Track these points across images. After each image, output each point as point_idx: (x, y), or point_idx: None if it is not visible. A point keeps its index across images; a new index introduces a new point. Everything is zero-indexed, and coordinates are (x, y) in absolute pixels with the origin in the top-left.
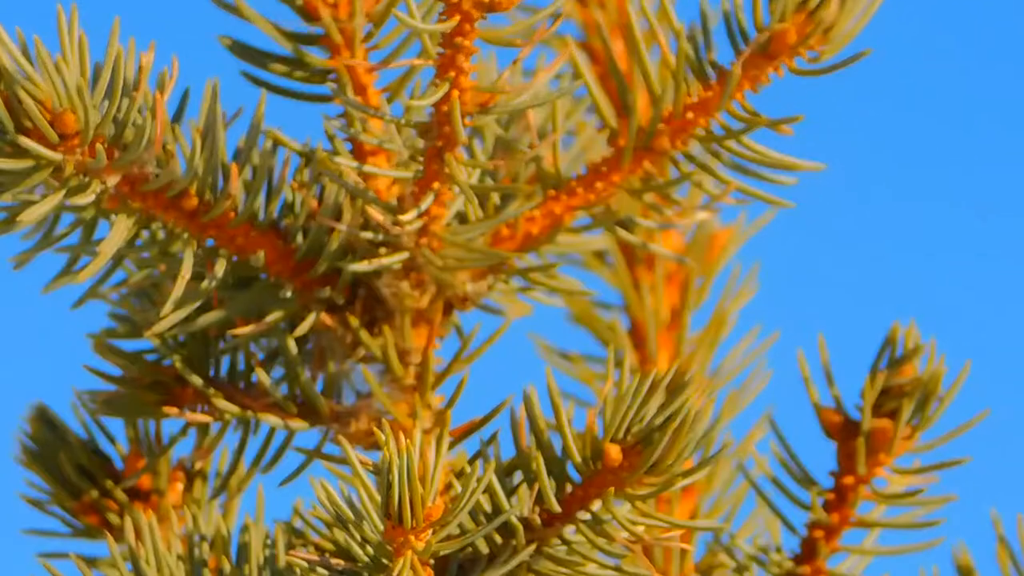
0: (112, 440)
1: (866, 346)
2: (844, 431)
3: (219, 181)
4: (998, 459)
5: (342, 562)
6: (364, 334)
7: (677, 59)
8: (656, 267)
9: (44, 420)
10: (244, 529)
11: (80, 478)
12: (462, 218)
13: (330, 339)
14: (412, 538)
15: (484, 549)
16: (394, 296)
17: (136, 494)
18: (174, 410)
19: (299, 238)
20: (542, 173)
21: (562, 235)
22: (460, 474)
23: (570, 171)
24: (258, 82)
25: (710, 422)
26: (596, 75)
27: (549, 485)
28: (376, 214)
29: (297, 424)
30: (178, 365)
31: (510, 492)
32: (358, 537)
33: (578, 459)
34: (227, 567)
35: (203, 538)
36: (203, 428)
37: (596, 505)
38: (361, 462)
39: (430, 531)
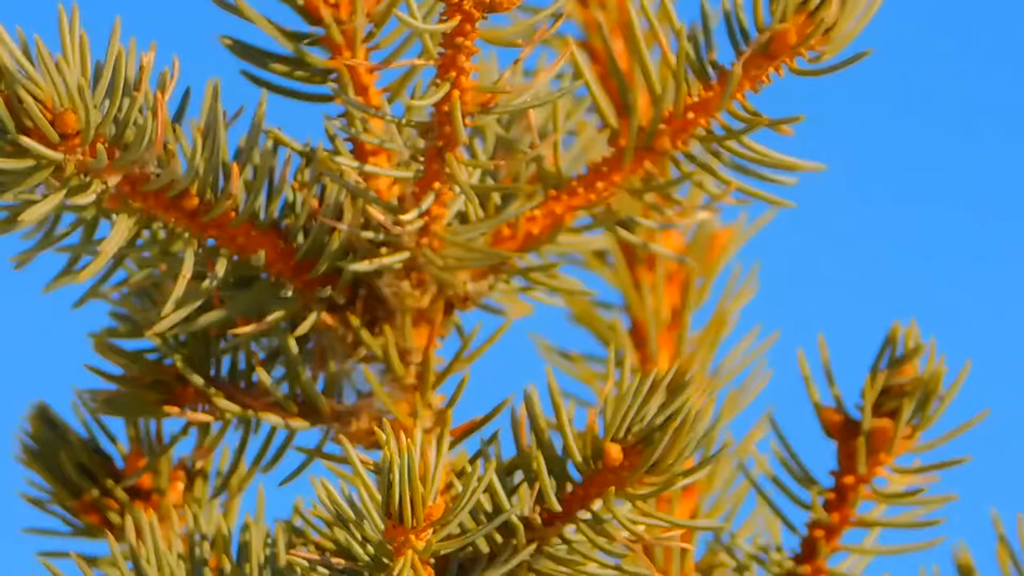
0: (113, 439)
1: (866, 346)
2: (844, 430)
3: (220, 181)
4: (998, 459)
5: (343, 561)
6: (365, 333)
7: (678, 59)
8: (657, 267)
9: (45, 419)
10: (245, 528)
11: (81, 477)
12: (463, 218)
13: (331, 338)
14: (412, 537)
15: (485, 548)
16: (395, 296)
17: (137, 493)
18: (175, 409)
19: (300, 238)
20: (543, 173)
21: (563, 235)
22: (461, 473)
23: (571, 171)
24: (259, 82)
25: (710, 422)
26: (597, 75)
27: (550, 484)
28: (377, 214)
29: (298, 423)
30: (179, 364)
31: (511, 491)
32: (359, 536)
33: (579, 458)
34: (228, 566)
35: (204, 537)
36: (204, 427)
37: (597, 504)
38: (362, 461)
39: (430, 530)
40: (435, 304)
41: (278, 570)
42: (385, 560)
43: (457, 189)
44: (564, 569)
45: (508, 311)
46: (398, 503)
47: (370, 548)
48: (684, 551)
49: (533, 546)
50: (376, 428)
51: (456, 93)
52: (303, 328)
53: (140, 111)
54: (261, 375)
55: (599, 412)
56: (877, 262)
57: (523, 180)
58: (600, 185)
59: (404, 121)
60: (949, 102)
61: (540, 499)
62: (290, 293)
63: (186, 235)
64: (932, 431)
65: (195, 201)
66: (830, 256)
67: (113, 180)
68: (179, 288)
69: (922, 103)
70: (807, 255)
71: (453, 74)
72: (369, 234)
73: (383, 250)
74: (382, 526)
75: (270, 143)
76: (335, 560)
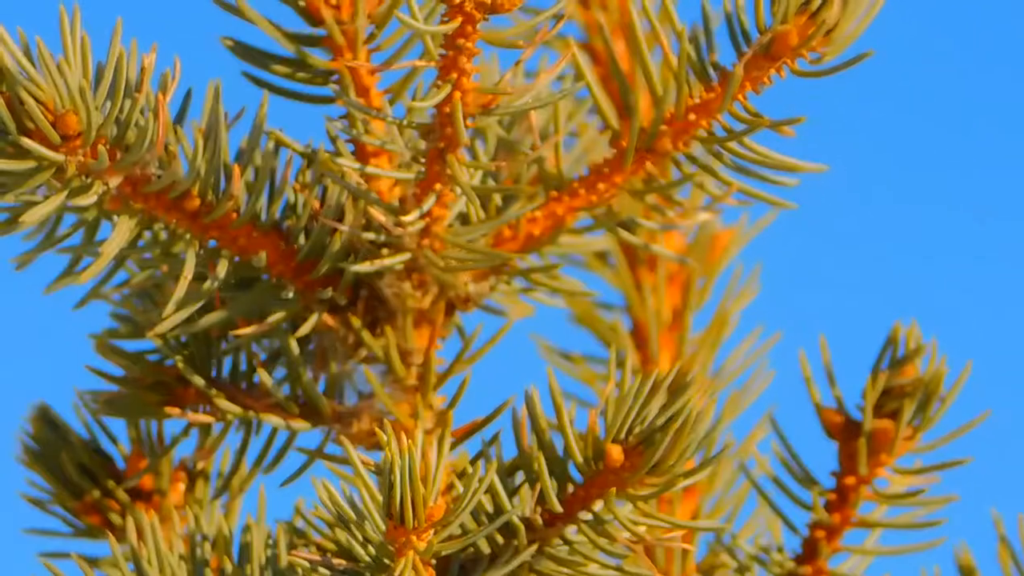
0: (114, 440)
1: (867, 347)
2: (845, 431)
3: (221, 182)
4: (999, 459)
5: (344, 562)
6: (366, 335)
7: (679, 60)
8: (658, 268)
9: (46, 420)
10: (246, 529)
11: (82, 478)
12: (464, 219)
13: (332, 340)
14: (414, 538)
15: (486, 549)
16: (396, 297)
17: (138, 494)
18: (176, 410)
19: (301, 239)
20: (544, 174)
21: (564, 236)
22: (462, 474)
23: (572, 172)
24: (260, 83)
25: (712, 423)
26: (598, 76)
27: (551, 485)
28: (378, 215)
29: (299, 424)
30: (180, 365)
31: (512, 492)
32: (360, 537)
33: (580, 459)
34: (229, 567)
35: (205, 538)
36: (205, 428)
37: (598, 505)
38: (363, 462)
39: (432, 531)
40: (436, 305)
41: (279, 571)
42: (386, 561)
43: (458, 190)
44: (565, 570)
45: (509, 312)
46: (399, 504)
47: (371, 549)
48: (685, 552)
49: (534, 547)
50: (377, 429)
51: (457, 94)
52: (304, 329)
53: (141, 112)
54: (262, 376)
55: (600, 413)
56: (878, 263)
57: (524, 181)
58: (601, 186)
59: (405, 122)
60: (949, 102)
61: (541, 500)
62: (291, 294)
63: (187, 236)
64: (933, 432)
65: (196, 202)
66: (831, 257)
67: (114, 181)
68: (180, 289)
69: (922, 103)
70: (808, 256)
71: (454, 75)
72: (370, 235)
73: (384, 251)
74: (383, 527)
75: (271, 144)
76: (336, 561)
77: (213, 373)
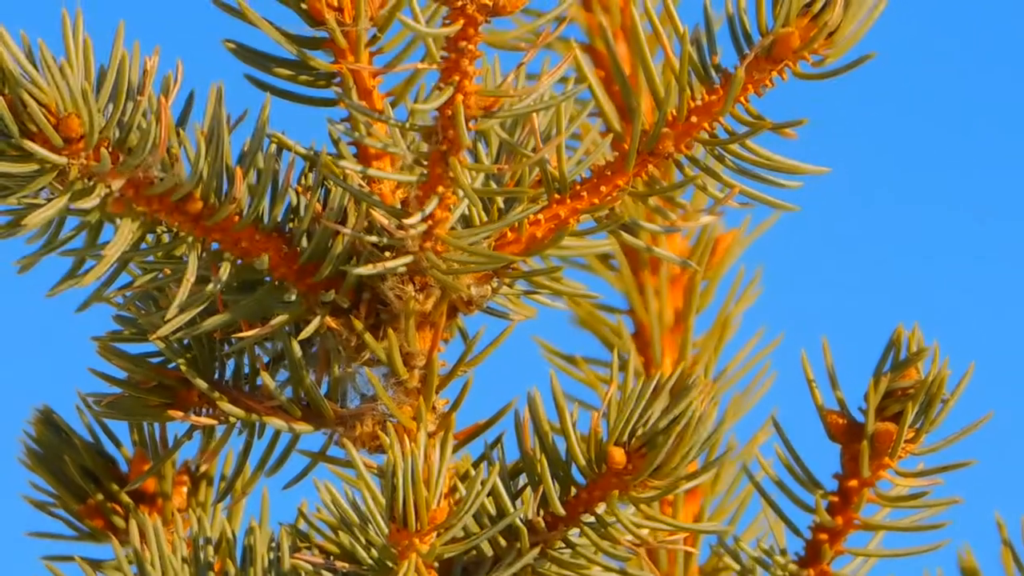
0: (117, 443)
1: (870, 349)
2: (848, 434)
3: (224, 184)
4: (1002, 462)
5: (347, 565)
6: (369, 337)
7: (681, 62)
8: (660, 270)
9: (49, 423)
10: (249, 532)
11: (85, 481)
12: (466, 222)
13: (335, 342)
14: (416, 541)
15: (488, 552)
16: (398, 299)
17: (141, 497)
18: (179, 413)
19: (304, 241)
20: (546, 176)
21: (566, 238)
22: (464, 477)
23: (574, 175)
24: (262, 86)
25: (714, 425)
26: (600, 79)
27: (553, 488)
28: (380, 218)
29: (302, 427)
30: (183, 368)
31: (514, 495)
32: (363, 540)
33: (582, 462)
34: (232, 570)
35: (208, 541)
36: (208, 431)
37: (600, 508)
38: (366, 465)
39: (434, 534)
40: (439, 308)
41: (282, 574)
42: (389, 564)
43: (461, 193)
44: (568, 572)
45: (512, 315)
46: (402, 507)
47: (374, 552)
48: (688, 554)
49: (537, 549)
50: (380, 432)
51: (459, 97)
52: (307, 332)
53: (144, 115)
54: (265, 379)
55: (603, 415)
56: (880, 265)
57: (527, 184)
58: (604, 189)
59: (408, 125)
60: (949, 103)
61: (544, 503)
62: (294, 297)
63: (190, 239)
64: (936, 434)
65: (199, 205)
66: (834, 259)
67: (117, 184)
68: (183, 292)
69: (923, 105)
70: (811, 258)
71: (456, 78)
72: (373, 238)
73: (387, 254)
74: (386, 530)
75: (274, 147)
76: (339, 564)
77: (216, 376)
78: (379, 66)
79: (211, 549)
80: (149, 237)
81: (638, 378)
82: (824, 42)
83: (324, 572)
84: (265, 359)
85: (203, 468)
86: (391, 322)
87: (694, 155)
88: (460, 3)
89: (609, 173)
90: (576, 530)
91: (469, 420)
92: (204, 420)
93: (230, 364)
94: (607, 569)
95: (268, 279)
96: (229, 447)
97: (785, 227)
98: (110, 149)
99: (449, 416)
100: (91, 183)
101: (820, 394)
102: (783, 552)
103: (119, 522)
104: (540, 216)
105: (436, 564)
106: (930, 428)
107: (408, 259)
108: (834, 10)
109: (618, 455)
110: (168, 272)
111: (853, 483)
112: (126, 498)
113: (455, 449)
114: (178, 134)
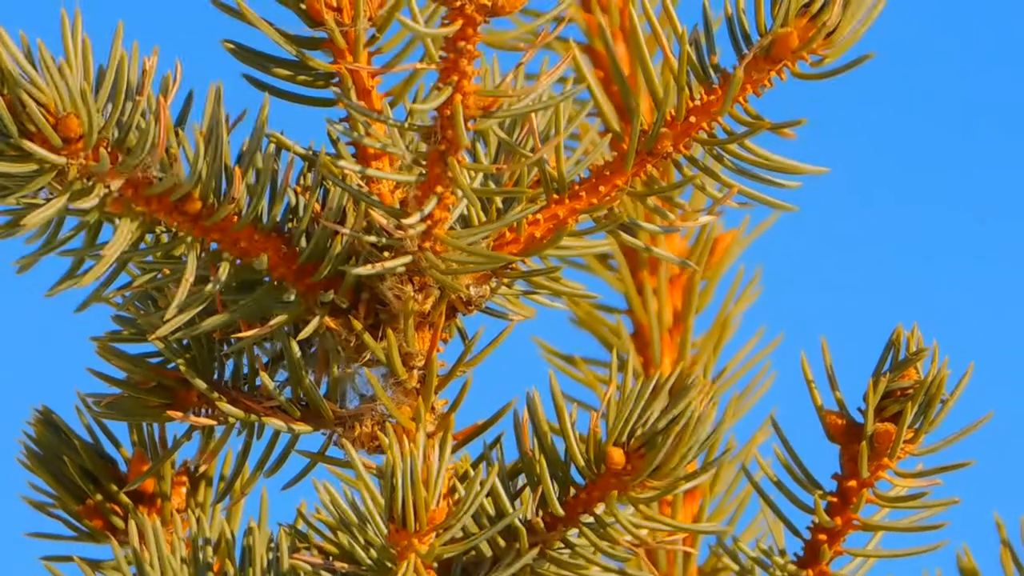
0: (116, 443)
1: (869, 349)
2: (847, 434)
3: (223, 185)
4: (1001, 462)
5: (346, 565)
6: (368, 337)
7: (680, 62)
8: (659, 270)
9: (48, 423)
10: (248, 532)
11: (84, 481)
12: (465, 221)
13: (334, 342)
14: (416, 541)
15: (487, 552)
16: (397, 299)
17: (140, 497)
18: (178, 414)
19: (302, 241)
20: (545, 176)
21: (565, 238)
22: (463, 477)
23: (573, 175)
24: (261, 86)
25: (713, 425)
26: (599, 79)
27: (552, 488)
28: (379, 218)
29: (301, 427)
30: (182, 368)
31: (513, 495)
32: (362, 540)
33: (581, 462)
34: (231, 570)
35: (207, 541)
36: (207, 431)
37: (599, 508)
38: (365, 465)
39: (433, 534)
40: (437, 308)
41: (281, 574)
42: (388, 564)
43: (459, 193)
44: (567, 573)
45: (511, 315)
46: (401, 507)
47: (373, 552)
48: (687, 555)
49: (536, 550)
50: (379, 432)
51: (458, 97)
52: (306, 332)
53: (143, 115)
54: (264, 379)
55: (602, 416)
56: (880, 265)
57: (525, 184)
58: (602, 189)
59: (406, 125)
60: (949, 103)
61: (543, 503)
62: (293, 297)
63: (189, 239)
64: (935, 435)
65: (198, 205)
66: (833, 259)
67: (116, 184)
68: (182, 292)
69: (923, 105)
70: (810, 258)
71: (455, 78)
72: (372, 238)
73: (386, 254)
74: (385, 530)
75: (272, 147)
76: (338, 564)
77: (215, 376)
78: (378, 66)
79: (210, 549)
80: (148, 237)
81: (637, 378)
82: (823, 42)
83: (323, 572)
84: (264, 359)
85: (202, 468)
86: (390, 322)
87: (693, 155)
88: (459, 3)
89: (608, 173)
90: (575, 530)
91: (468, 420)
92: (203, 420)
93: (229, 364)
94: (606, 569)
95: (267, 279)
96: (228, 447)
97: (784, 227)
98: (109, 149)
99: (448, 416)
100: (90, 183)
101: (819, 394)
102: (782, 552)
103: (118, 522)
104: (539, 216)
105: (435, 564)
106: (929, 428)
107: (407, 259)
108: (833, 10)
109: (617, 455)
110: (167, 272)
111: (852, 483)
112: (125, 498)
113: (454, 449)
114: (177, 134)
